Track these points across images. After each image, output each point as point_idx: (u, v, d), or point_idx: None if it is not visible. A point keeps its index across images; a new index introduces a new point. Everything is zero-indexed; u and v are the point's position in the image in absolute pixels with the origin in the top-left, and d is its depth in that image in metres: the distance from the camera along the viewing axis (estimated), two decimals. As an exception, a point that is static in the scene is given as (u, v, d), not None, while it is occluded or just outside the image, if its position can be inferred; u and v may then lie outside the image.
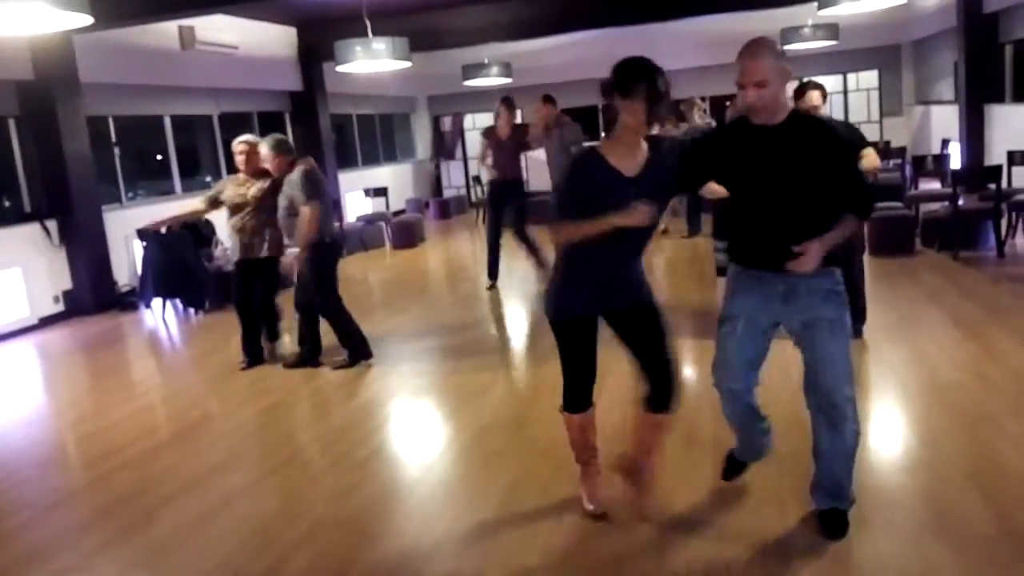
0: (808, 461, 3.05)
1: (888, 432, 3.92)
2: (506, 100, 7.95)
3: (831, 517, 2.98)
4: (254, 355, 5.95)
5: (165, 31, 9.78)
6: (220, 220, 9.55)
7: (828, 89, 5.37)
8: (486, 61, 12.86)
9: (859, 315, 5.38)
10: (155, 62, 9.71)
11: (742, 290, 2.93)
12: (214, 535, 3.45)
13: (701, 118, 10.27)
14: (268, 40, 11.91)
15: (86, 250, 8.53)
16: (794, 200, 2.77)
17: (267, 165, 5.56)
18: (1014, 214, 8.03)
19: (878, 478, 3.38)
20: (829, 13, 8.40)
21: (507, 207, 7.98)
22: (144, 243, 8.55)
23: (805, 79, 5.29)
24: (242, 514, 3.63)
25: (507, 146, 7.96)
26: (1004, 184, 7.76)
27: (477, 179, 14.86)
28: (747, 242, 2.92)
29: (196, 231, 8.93)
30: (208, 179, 11.44)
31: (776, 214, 2.80)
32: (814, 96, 5.14)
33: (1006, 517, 2.97)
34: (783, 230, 2.76)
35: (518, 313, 7.35)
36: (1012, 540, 2.84)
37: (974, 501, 3.11)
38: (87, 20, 4.69)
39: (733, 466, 3.35)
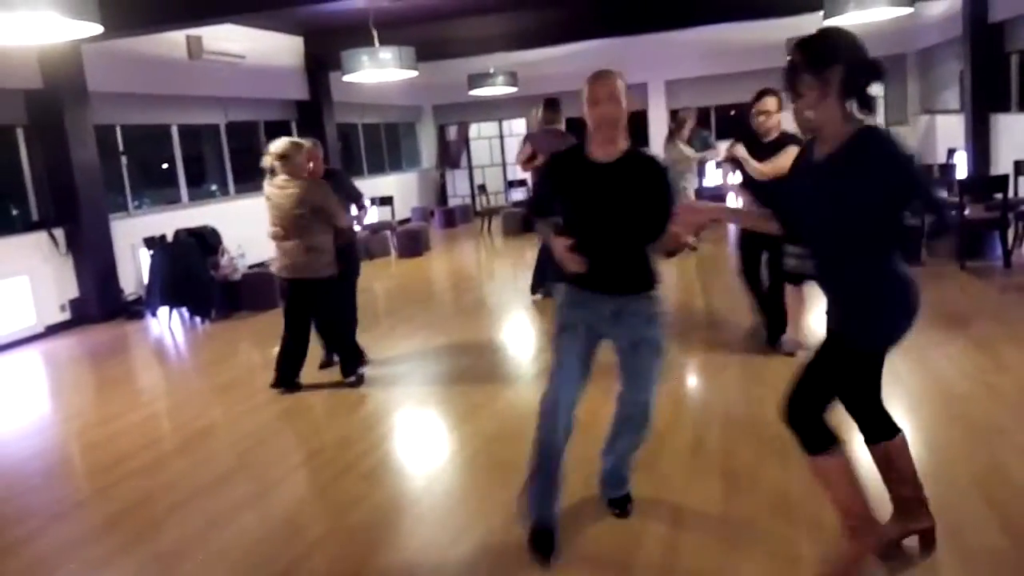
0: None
1: (896, 443, 3.90)
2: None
3: (625, 500, 3.36)
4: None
5: (173, 40, 9.82)
6: (226, 228, 9.61)
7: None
8: (491, 71, 12.90)
9: (776, 327, 5.43)
10: (162, 71, 9.76)
11: (578, 303, 3.10)
12: (221, 545, 3.44)
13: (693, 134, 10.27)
14: (275, 50, 11.95)
15: (93, 258, 8.56)
16: (620, 231, 2.99)
17: (314, 166, 5.51)
18: (1021, 224, 8.01)
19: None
20: (834, 22, 8.40)
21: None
22: (151, 251, 8.58)
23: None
24: (249, 524, 3.63)
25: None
26: (1011, 194, 7.75)
27: (482, 188, 14.87)
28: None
29: (202, 239, 8.96)
30: (214, 188, 11.48)
31: (606, 243, 3.01)
32: (768, 102, 5.14)
33: (1014, 528, 2.96)
34: (612, 257, 3.01)
35: (524, 323, 7.34)
36: (1020, 551, 2.82)
37: (982, 511, 3.10)
38: (97, 29, 4.70)
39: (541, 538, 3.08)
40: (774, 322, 5.45)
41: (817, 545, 2.95)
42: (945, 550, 2.86)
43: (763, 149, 5.14)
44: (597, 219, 3.02)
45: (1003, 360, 4.86)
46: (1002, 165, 10.03)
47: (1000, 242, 7.48)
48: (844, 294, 2.56)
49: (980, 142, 11.04)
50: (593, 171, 3.01)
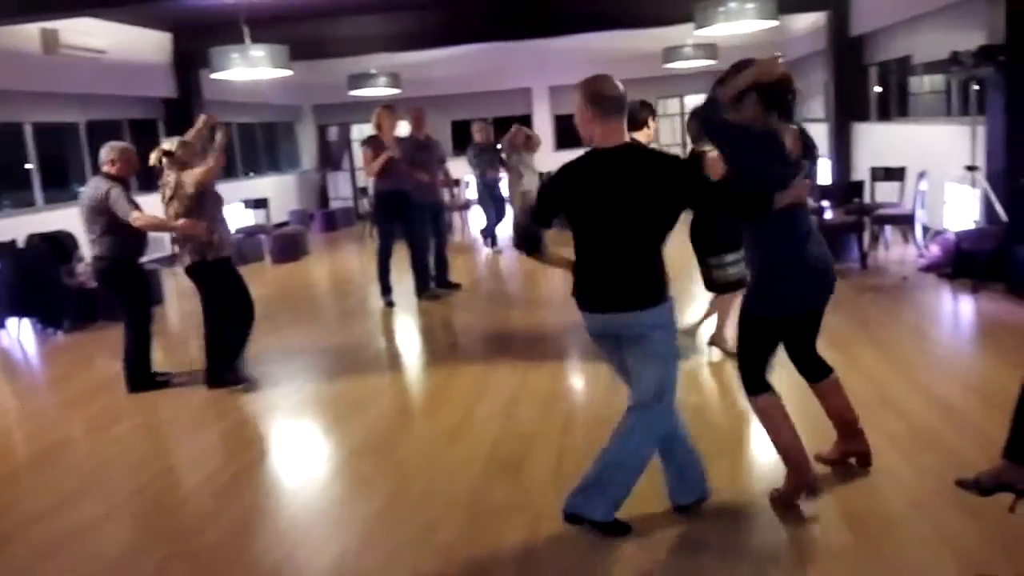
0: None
1: (746, 443, 3.98)
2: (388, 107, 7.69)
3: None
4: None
5: (25, 33, 9.20)
6: (83, 234, 9.05)
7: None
8: (373, 71, 12.70)
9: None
10: (13, 66, 9.12)
11: None
12: (62, 569, 3.22)
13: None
14: (140, 45, 11.39)
15: (-67, 265, 7.92)
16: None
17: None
18: (876, 227, 8.43)
19: (726, 493, 3.43)
20: (705, 33, 8.64)
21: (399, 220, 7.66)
22: (-2, 258, 8.00)
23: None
24: (92, 547, 3.40)
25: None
26: (867, 198, 8.13)
27: (364, 190, 14.60)
28: None
29: (57, 244, 8.43)
30: (80, 189, 10.84)
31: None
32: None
33: (857, 523, 3.05)
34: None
35: (403, 328, 7.21)
36: (864, 546, 2.91)
37: (831, 507, 3.19)
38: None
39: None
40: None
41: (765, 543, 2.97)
42: (795, 551, 2.92)
43: None
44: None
45: (856, 360, 5.03)
46: (861, 171, 10.56)
47: (857, 244, 7.83)
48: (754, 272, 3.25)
49: (842, 149, 11.62)
50: None
